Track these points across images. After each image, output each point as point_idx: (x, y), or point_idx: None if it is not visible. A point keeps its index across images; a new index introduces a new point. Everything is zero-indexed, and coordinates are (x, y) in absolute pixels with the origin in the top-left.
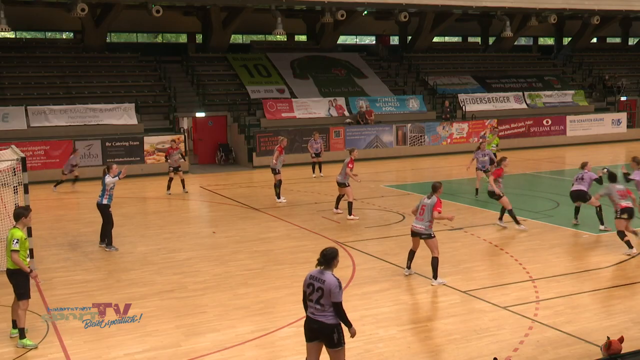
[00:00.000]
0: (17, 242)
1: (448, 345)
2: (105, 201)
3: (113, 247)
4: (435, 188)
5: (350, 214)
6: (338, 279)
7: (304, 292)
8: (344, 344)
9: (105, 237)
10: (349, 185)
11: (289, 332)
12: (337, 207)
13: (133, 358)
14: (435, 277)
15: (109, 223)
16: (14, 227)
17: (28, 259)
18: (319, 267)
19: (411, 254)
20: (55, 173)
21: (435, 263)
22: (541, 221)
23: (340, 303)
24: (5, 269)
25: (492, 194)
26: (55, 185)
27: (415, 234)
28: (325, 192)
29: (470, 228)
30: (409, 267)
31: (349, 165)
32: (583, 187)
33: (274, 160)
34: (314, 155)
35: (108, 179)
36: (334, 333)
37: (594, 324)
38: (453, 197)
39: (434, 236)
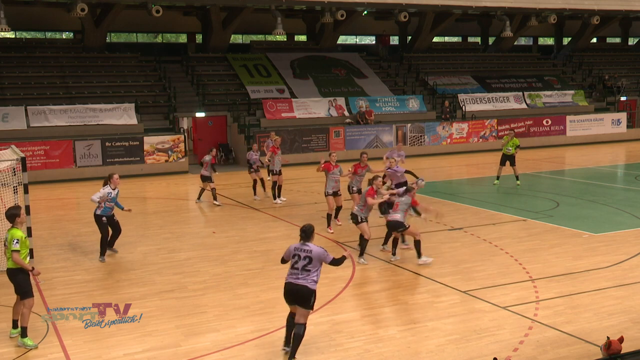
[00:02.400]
0: (17, 242)
1: (448, 345)
2: (98, 212)
3: (103, 257)
4: (408, 190)
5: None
6: (321, 247)
7: (285, 260)
8: (313, 309)
9: (109, 244)
10: (329, 195)
11: None
12: (336, 217)
13: (133, 358)
14: (419, 256)
15: (103, 234)
16: (13, 227)
17: (28, 258)
18: (300, 241)
19: (394, 241)
20: (54, 173)
21: (418, 245)
22: (541, 221)
23: (333, 259)
24: (6, 269)
25: (355, 218)
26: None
27: (391, 227)
28: None
29: (470, 228)
30: (394, 254)
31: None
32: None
33: (267, 159)
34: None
35: (100, 192)
36: (311, 297)
37: (594, 324)
38: (453, 197)
39: (409, 225)
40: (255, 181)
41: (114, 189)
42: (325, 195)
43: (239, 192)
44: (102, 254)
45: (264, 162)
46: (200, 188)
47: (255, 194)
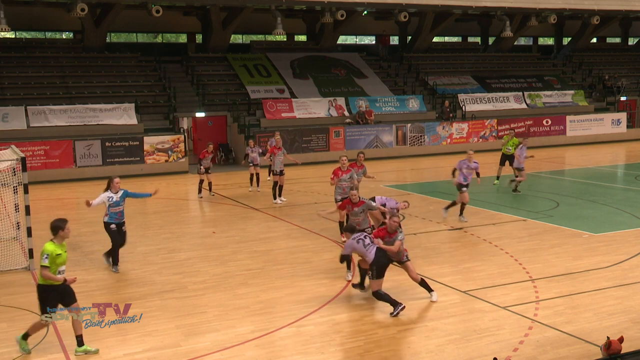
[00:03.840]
0: (46, 258)
1: (448, 345)
2: (105, 219)
3: (116, 267)
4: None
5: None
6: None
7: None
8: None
9: (110, 254)
10: (338, 202)
11: (289, 332)
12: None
13: (133, 358)
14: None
15: (114, 242)
16: (50, 240)
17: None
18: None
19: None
20: (54, 173)
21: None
22: (541, 221)
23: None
24: (36, 285)
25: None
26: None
27: None
28: (325, 192)
29: (470, 228)
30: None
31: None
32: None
33: (267, 159)
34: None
35: (99, 197)
36: None
37: (594, 324)
38: (453, 197)
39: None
40: (252, 175)
41: (115, 193)
42: (335, 202)
43: (239, 192)
44: (115, 263)
45: (253, 160)
46: (208, 183)
47: (250, 184)
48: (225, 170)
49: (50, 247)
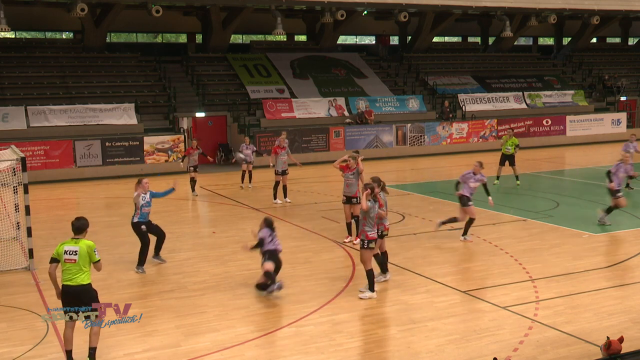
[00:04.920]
0: (96, 252)
1: (448, 345)
2: (135, 219)
3: (141, 268)
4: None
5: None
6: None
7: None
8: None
9: (156, 251)
10: (344, 203)
11: (289, 332)
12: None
13: (133, 358)
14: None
15: (143, 243)
16: (81, 239)
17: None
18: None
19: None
20: (53, 173)
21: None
22: (541, 221)
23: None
24: (76, 285)
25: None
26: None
27: None
28: (325, 192)
29: (470, 228)
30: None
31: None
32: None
33: (271, 160)
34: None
35: (136, 197)
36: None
37: (593, 324)
38: (453, 197)
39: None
40: (243, 172)
41: (145, 193)
42: (343, 203)
43: (239, 192)
44: (141, 263)
45: (247, 157)
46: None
47: (242, 182)
48: (225, 170)
49: (91, 242)
